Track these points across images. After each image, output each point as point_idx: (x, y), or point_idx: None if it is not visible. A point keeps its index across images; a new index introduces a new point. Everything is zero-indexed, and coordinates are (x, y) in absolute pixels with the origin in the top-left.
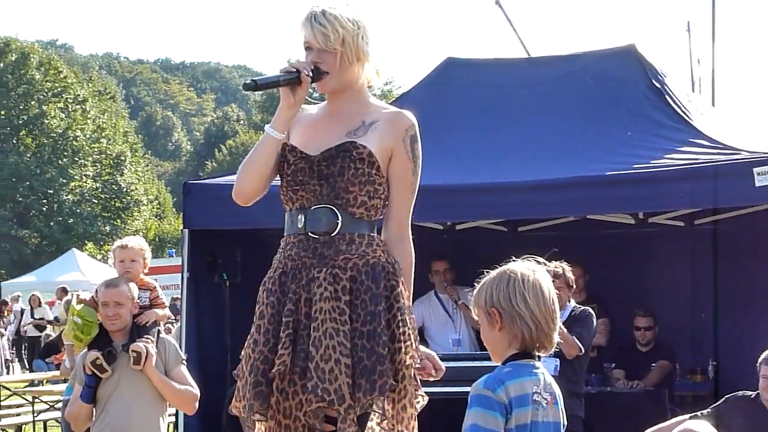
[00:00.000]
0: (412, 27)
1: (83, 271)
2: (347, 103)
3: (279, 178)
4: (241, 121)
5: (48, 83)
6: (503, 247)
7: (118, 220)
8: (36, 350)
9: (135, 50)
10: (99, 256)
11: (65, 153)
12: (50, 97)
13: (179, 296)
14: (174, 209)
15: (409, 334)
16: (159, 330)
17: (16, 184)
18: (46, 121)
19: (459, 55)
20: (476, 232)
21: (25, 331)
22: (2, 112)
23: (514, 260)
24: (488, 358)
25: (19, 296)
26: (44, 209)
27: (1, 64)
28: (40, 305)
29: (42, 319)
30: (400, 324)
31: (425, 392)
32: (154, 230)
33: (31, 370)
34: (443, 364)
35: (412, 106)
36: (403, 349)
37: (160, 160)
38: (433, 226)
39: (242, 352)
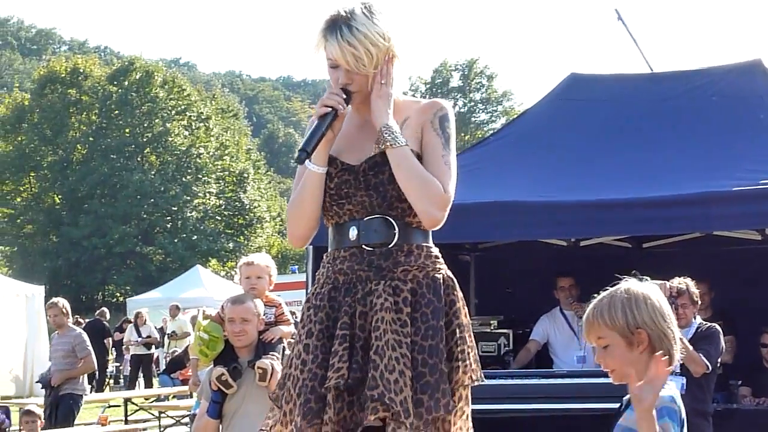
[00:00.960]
0: (534, 43)
1: (207, 287)
2: None
3: None
4: None
5: (172, 101)
6: (628, 263)
7: (241, 237)
8: (143, 368)
9: (257, 68)
10: (222, 273)
11: (189, 170)
12: (174, 115)
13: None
14: None
15: (467, 353)
16: (284, 347)
17: (140, 202)
18: (170, 139)
19: (582, 71)
20: (601, 248)
21: (128, 348)
22: (127, 130)
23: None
24: None
25: (145, 312)
26: (168, 226)
27: (126, 83)
28: (145, 323)
29: (149, 336)
30: (459, 342)
31: (550, 408)
32: (276, 247)
33: (134, 386)
34: (569, 380)
35: (536, 122)
36: (461, 369)
37: (283, 177)
38: (558, 242)
39: (283, 372)
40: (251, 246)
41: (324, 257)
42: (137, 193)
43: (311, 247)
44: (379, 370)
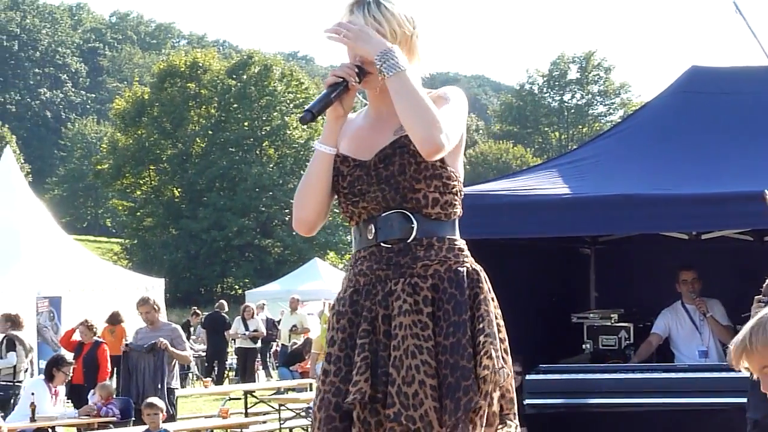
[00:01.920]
0: (651, 35)
1: (325, 279)
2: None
3: (336, 196)
4: (480, 131)
5: (290, 94)
6: (749, 257)
7: None
8: (248, 362)
9: None
10: (340, 266)
11: (307, 163)
12: (292, 108)
13: None
14: None
15: (489, 344)
16: None
17: (259, 195)
18: (288, 132)
19: (699, 63)
20: (722, 241)
21: (234, 341)
22: (246, 124)
23: None
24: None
25: (264, 304)
26: (287, 219)
27: (245, 77)
28: (253, 317)
29: (256, 330)
30: (478, 333)
31: (672, 403)
32: None
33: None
34: (691, 375)
35: (657, 115)
36: (481, 363)
37: None
38: (679, 235)
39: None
40: None
41: (350, 260)
42: (256, 186)
43: None
44: (396, 385)
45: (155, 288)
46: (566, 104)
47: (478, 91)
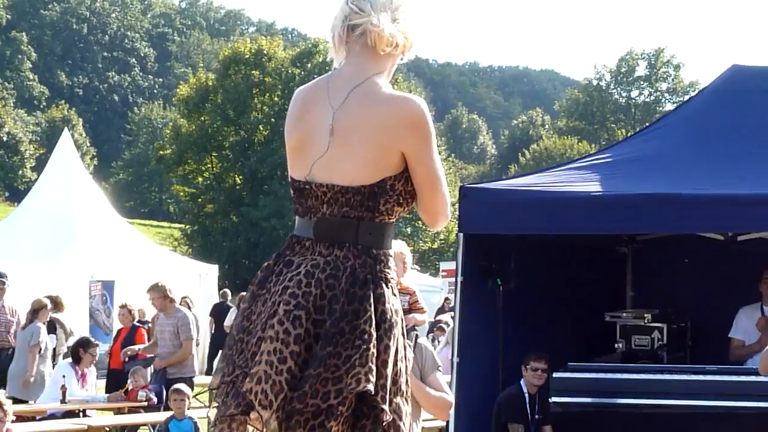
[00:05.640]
0: (724, 34)
1: None
2: None
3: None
4: (546, 126)
5: None
6: None
7: (419, 222)
8: None
9: (443, 54)
10: None
11: None
12: None
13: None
14: None
15: None
16: (417, 335)
17: None
18: None
19: (744, 62)
20: (758, 243)
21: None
22: None
23: None
24: None
25: None
26: None
27: (309, 65)
28: None
29: None
30: None
31: (704, 405)
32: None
33: None
34: (722, 378)
35: (696, 114)
36: None
37: (465, 163)
38: (715, 236)
39: None
40: (429, 231)
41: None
42: None
43: (462, 234)
44: None
45: (209, 275)
46: (633, 101)
47: (548, 85)
